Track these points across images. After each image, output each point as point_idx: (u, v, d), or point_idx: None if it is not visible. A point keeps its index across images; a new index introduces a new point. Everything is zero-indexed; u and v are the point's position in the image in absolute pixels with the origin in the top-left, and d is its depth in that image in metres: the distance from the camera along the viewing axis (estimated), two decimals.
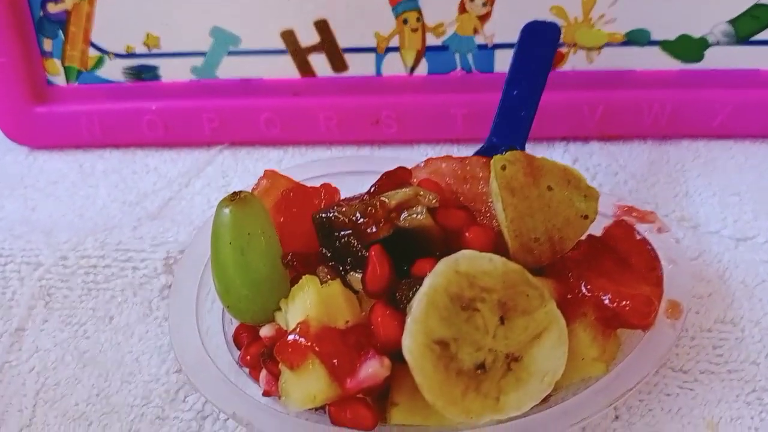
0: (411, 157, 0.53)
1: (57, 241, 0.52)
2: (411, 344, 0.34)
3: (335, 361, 0.35)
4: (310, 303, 0.37)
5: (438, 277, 0.35)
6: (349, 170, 0.49)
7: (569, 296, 0.39)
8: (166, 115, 0.60)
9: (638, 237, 0.44)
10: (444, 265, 0.35)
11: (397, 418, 0.36)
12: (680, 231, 0.50)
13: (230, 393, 0.38)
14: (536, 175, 0.39)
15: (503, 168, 0.39)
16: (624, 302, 0.38)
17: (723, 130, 0.57)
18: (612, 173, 0.56)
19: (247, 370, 0.41)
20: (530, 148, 0.47)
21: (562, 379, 0.36)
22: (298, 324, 0.36)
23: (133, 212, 0.56)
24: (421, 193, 0.39)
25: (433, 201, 0.38)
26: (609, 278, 0.40)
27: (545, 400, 0.36)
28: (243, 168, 0.60)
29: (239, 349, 0.42)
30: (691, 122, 0.57)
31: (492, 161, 0.39)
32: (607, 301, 0.38)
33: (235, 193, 0.41)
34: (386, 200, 0.39)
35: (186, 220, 0.54)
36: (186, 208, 0.57)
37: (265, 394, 0.39)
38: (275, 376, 0.37)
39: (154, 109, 0.60)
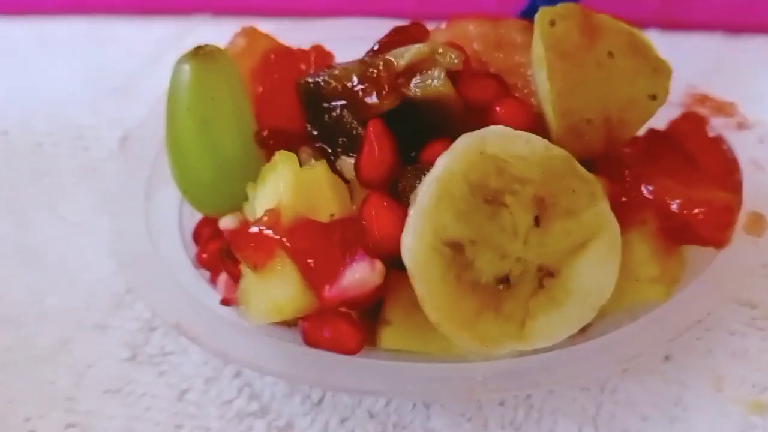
0: None
1: (1, 114, 0.46)
2: (414, 244, 0.27)
3: (311, 261, 0.28)
4: (284, 186, 0.29)
5: (456, 157, 0.28)
6: (348, 36, 0.39)
7: (624, 199, 0.32)
8: None
9: (711, 134, 0.36)
10: (466, 142, 0.28)
11: (388, 341, 0.30)
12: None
13: (176, 298, 0.31)
14: (594, 35, 0.31)
15: (552, 23, 0.31)
16: (697, 209, 0.31)
17: None
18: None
19: (207, 274, 0.34)
20: None
21: (608, 303, 0.29)
22: (266, 212, 0.28)
23: (94, 86, 0.50)
24: (440, 50, 0.30)
25: (455, 61, 0.30)
26: (676, 179, 0.32)
27: (583, 330, 0.30)
28: (227, 42, 0.51)
29: None
30: None
31: (537, 14, 0.32)
32: (674, 207, 0.31)
33: (198, 46, 0.33)
34: (393, 60, 0.31)
35: (154, 98, 0.46)
36: (156, 85, 0.47)
37: (224, 302, 0.32)
38: (236, 279, 0.30)
39: None
